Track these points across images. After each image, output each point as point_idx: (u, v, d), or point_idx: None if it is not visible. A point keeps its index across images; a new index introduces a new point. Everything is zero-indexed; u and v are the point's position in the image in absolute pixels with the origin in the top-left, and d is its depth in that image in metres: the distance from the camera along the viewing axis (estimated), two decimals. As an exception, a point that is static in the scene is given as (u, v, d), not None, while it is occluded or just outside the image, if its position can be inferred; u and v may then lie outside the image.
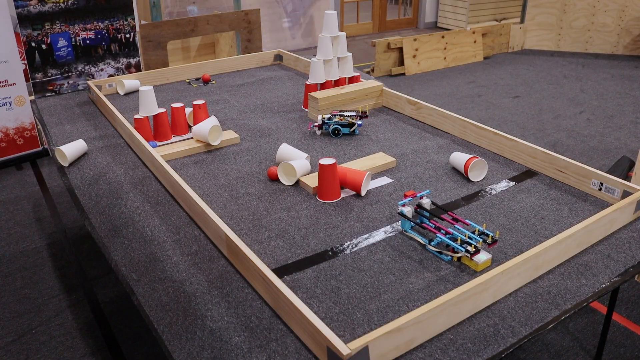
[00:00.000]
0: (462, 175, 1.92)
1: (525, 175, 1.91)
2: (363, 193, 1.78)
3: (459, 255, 1.41)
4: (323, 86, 2.53)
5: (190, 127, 2.33)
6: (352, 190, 1.79)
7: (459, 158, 1.91)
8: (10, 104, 3.78)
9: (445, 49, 6.54)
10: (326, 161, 1.72)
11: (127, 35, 3.33)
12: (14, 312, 2.51)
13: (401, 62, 6.34)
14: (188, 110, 2.34)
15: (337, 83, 2.59)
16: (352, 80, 2.64)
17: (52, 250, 2.98)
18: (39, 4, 2.95)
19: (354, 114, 2.28)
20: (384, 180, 1.88)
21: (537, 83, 5.96)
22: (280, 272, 1.41)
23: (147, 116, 2.18)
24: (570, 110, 5.15)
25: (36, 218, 3.29)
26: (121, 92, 2.77)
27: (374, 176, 1.92)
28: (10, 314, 2.50)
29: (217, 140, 2.14)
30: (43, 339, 2.35)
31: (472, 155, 1.89)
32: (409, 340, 1.15)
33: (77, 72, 3.18)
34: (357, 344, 1.07)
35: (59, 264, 2.86)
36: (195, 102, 2.24)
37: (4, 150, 3.88)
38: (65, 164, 2.02)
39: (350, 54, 2.59)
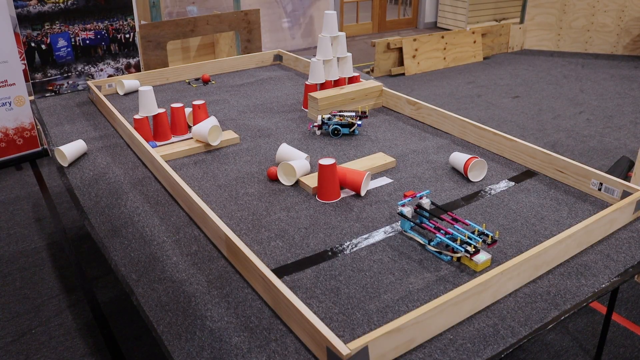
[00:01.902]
0: (461, 175, 1.92)
1: (525, 175, 1.91)
2: (363, 193, 1.78)
3: (458, 255, 1.41)
4: (323, 86, 2.54)
5: (189, 127, 2.33)
6: (352, 191, 1.79)
7: (458, 158, 1.92)
8: (10, 104, 3.78)
9: (444, 49, 6.54)
10: (326, 161, 1.72)
11: (127, 36, 3.33)
12: (14, 312, 2.51)
13: (401, 62, 6.34)
14: (188, 110, 2.34)
15: (337, 83, 2.59)
16: (351, 80, 2.64)
17: (51, 251, 2.98)
18: (39, 4, 2.95)
19: (353, 114, 2.28)
20: (384, 181, 1.88)
21: (536, 83, 5.96)
22: (279, 272, 1.41)
23: (147, 116, 2.18)
24: (569, 110, 5.15)
25: (36, 218, 3.29)
26: (121, 92, 2.77)
27: (374, 176, 1.92)
28: (10, 314, 2.50)
29: (217, 141, 2.14)
30: (43, 339, 2.35)
31: (471, 156, 1.89)
32: (408, 340, 1.15)
33: (77, 72, 3.18)
34: (357, 344, 1.07)
35: (59, 264, 2.86)
36: (195, 102, 2.24)
37: (3, 151, 3.88)
38: (65, 164, 2.02)
39: (349, 54, 2.60)
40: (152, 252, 1.50)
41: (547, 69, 6.51)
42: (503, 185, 1.84)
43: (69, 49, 3.12)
